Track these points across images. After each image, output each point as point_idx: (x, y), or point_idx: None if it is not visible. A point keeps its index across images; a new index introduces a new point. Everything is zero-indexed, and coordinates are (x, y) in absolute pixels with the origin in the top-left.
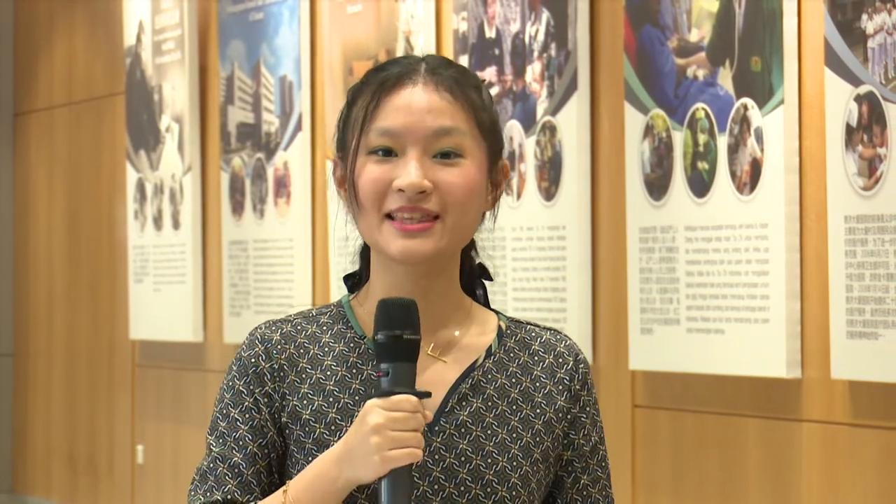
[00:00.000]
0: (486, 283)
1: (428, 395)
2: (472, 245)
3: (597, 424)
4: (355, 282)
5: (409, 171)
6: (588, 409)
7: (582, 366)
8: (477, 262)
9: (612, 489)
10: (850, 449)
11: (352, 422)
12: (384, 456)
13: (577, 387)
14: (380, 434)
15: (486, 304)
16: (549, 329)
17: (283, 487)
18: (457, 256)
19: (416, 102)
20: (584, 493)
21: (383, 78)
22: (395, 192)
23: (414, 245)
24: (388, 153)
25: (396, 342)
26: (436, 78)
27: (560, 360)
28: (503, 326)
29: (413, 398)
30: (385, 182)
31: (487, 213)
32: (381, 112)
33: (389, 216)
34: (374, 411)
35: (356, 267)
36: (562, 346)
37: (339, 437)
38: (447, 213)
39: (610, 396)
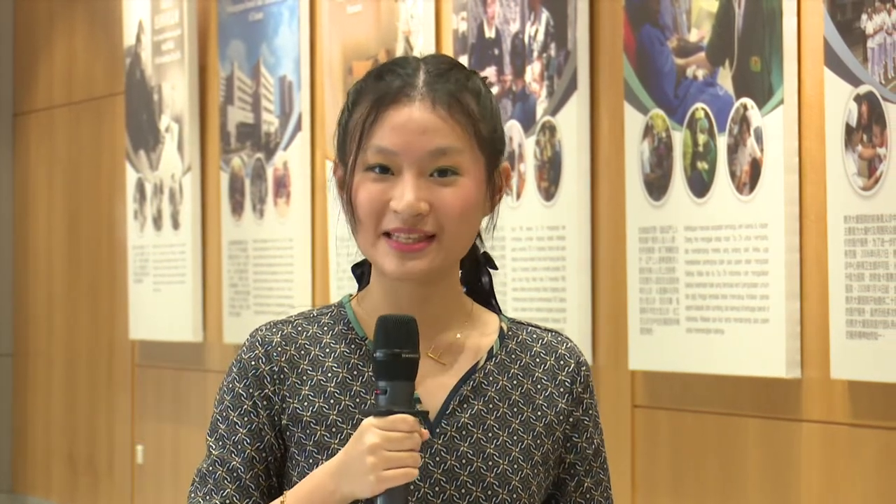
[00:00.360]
0: (491, 272)
1: (426, 413)
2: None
3: (598, 427)
4: (363, 271)
5: (405, 193)
6: (590, 411)
7: (584, 368)
8: (482, 251)
9: (612, 491)
10: (849, 449)
11: (352, 425)
12: (380, 476)
13: (580, 389)
14: (375, 454)
15: (492, 291)
16: (550, 331)
17: (281, 498)
18: (457, 262)
19: (413, 122)
20: (588, 496)
21: (381, 91)
22: (392, 212)
23: (409, 266)
24: (384, 170)
25: (395, 360)
26: (433, 93)
27: (562, 362)
28: (505, 328)
29: (410, 418)
30: (382, 202)
31: (487, 218)
32: (378, 129)
33: (387, 234)
34: (371, 431)
35: (363, 257)
36: (563, 348)
37: (340, 440)
38: (443, 232)
39: (610, 396)
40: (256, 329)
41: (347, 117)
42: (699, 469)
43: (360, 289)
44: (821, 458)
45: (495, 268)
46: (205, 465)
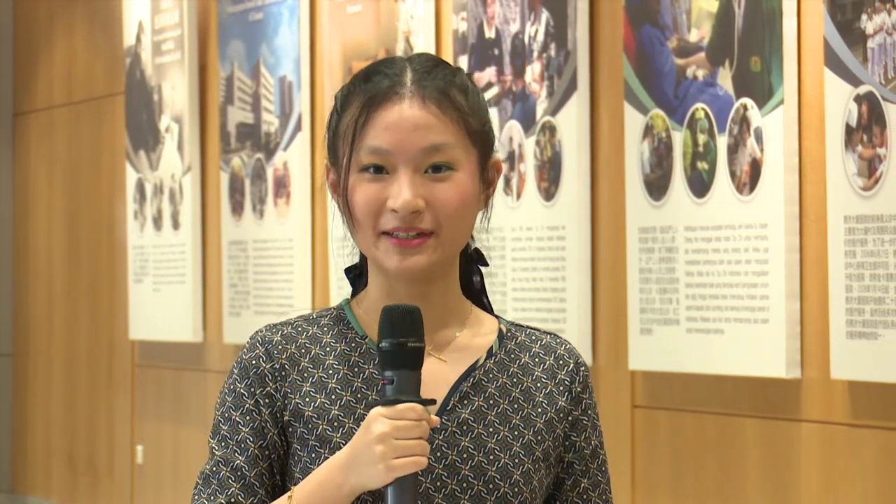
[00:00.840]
0: (483, 269)
1: (433, 402)
2: None
3: (597, 428)
4: (357, 274)
5: (401, 192)
6: (589, 412)
7: (583, 369)
8: (473, 248)
9: (611, 494)
10: (849, 449)
11: (354, 419)
12: (389, 465)
13: (579, 389)
14: (384, 443)
15: (483, 290)
16: (549, 333)
17: (288, 493)
18: (456, 260)
19: (405, 120)
20: (584, 496)
21: (371, 92)
22: (390, 212)
23: (410, 262)
24: (379, 170)
25: (401, 350)
26: (423, 90)
27: (561, 362)
28: (503, 329)
29: (418, 406)
30: (379, 201)
31: (481, 212)
32: (370, 130)
33: (385, 233)
34: (379, 420)
35: (356, 259)
36: (562, 349)
37: (342, 434)
38: (441, 228)
39: (609, 397)
40: (256, 331)
41: (337, 120)
42: (699, 469)
43: (354, 292)
44: (820, 459)
45: (486, 264)
46: (208, 467)
